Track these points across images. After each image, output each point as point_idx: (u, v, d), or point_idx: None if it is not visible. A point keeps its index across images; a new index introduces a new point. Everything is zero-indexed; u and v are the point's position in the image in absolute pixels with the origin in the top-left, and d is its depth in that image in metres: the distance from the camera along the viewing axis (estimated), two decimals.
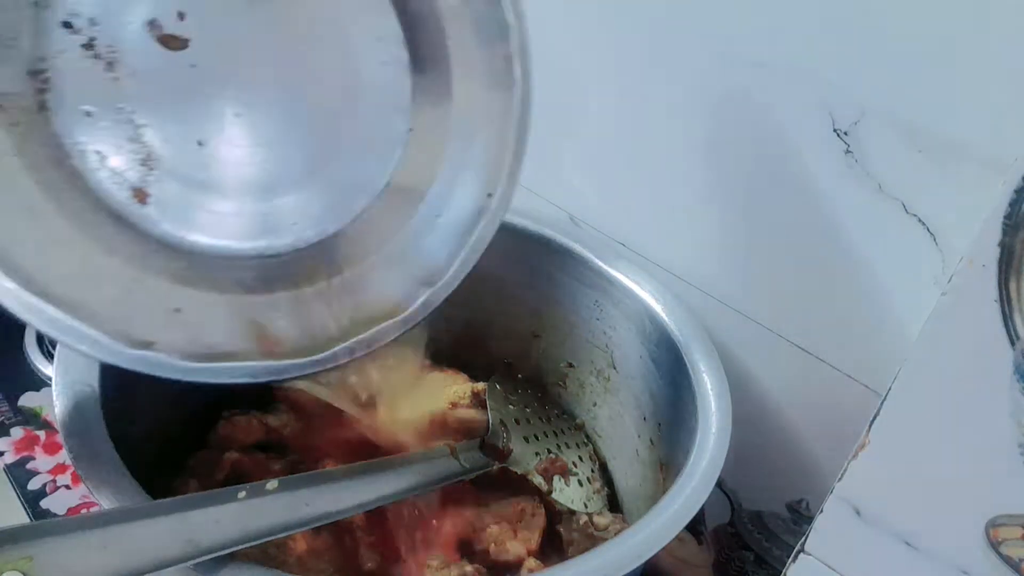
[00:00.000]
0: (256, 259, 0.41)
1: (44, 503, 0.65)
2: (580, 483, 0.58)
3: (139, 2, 0.37)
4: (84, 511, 0.65)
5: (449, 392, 0.61)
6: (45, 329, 0.34)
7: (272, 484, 0.40)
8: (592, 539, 0.55)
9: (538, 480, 0.55)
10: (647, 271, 0.58)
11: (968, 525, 0.33)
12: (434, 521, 0.54)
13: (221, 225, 0.40)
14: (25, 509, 0.65)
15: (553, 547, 0.55)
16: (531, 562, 0.52)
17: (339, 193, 0.42)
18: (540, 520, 0.55)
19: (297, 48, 0.40)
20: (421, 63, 0.43)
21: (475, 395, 0.61)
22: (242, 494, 0.38)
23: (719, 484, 0.44)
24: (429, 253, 0.44)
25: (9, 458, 0.69)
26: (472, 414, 0.60)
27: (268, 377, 0.38)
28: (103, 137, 0.37)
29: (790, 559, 0.39)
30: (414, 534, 0.53)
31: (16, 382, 0.76)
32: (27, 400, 0.74)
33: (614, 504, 0.60)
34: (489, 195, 0.43)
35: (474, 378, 0.64)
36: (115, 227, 0.37)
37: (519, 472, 0.55)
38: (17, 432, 0.71)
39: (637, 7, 0.55)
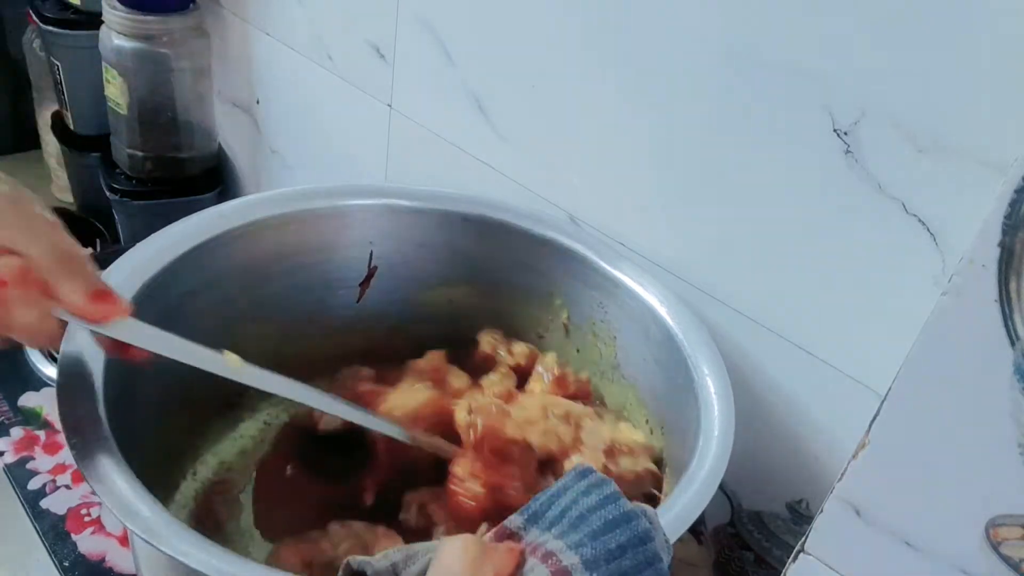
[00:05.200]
0: None
1: (44, 503, 0.65)
2: None
3: None
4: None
5: None
6: None
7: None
8: None
9: None
10: (650, 272, 0.58)
11: (968, 525, 0.33)
12: None
13: None
14: (25, 509, 0.65)
15: None
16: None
17: None
18: None
19: None
20: None
21: None
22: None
23: (719, 484, 0.44)
24: None
25: (9, 458, 0.69)
26: None
27: None
28: None
29: (790, 559, 0.39)
30: None
31: (16, 382, 0.76)
32: (27, 400, 0.74)
33: None
34: None
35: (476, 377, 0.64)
36: None
37: None
38: (17, 432, 0.71)
39: (638, 9, 0.55)
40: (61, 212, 1.04)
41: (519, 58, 0.64)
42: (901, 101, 0.45)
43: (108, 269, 0.50)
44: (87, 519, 0.65)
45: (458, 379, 0.61)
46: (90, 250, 0.44)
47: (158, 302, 0.50)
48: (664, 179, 0.58)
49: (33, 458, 0.69)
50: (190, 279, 0.54)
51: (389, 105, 0.77)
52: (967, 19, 0.42)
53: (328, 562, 0.49)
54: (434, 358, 0.62)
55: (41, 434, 0.71)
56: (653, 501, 0.53)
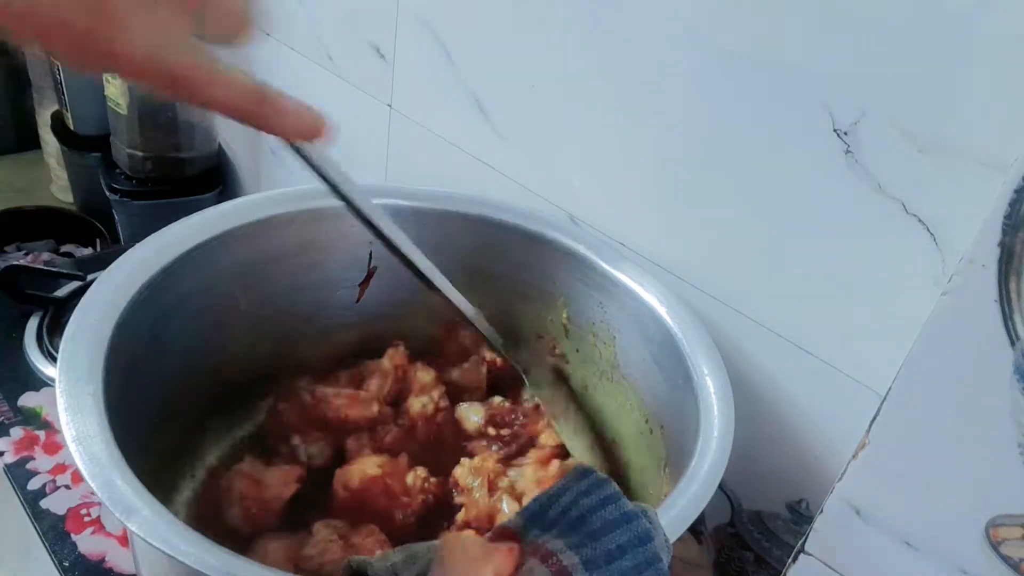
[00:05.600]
0: None
1: (44, 503, 0.65)
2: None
3: None
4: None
5: None
6: None
7: None
8: None
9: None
10: (650, 272, 0.58)
11: (968, 525, 0.33)
12: None
13: None
14: (25, 509, 0.65)
15: None
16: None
17: None
18: None
19: None
20: None
21: None
22: None
23: (719, 484, 0.44)
24: None
25: (9, 458, 0.69)
26: None
27: None
28: None
29: (790, 559, 0.39)
30: None
31: (16, 382, 0.76)
32: (27, 400, 0.74)
33: None
34: None
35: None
36: None
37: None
38: (17, 432, 0.71)
39: (638, 9, 0.55)
40: (61, 212, 1.05)
41: (519, 58, 0.64)
42: (901, 101, 0.45)
43: (108, 269, 0.50)
44: (87, 519, 0.65)
45: (424, 374, 0.61)
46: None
47: (158, 302, 0.50)
48: (664, 179, 0.58)
49: (33, 458, 0.69)
50: (190, 279, 0.54)
51: (389, 105, 0.77)
52: (967, 19, 0.42)
53: (315, 566, 0.49)
54: (395, 355, 0.62)
55: (41, 434, 0.71)
56: None
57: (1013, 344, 0.30)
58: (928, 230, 0.46)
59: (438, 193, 0.63)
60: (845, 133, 0.48)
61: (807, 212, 0.51)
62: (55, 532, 0.63)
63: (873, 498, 0.36)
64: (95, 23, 0.29)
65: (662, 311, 0.55)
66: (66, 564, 0.61)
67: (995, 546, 0.32)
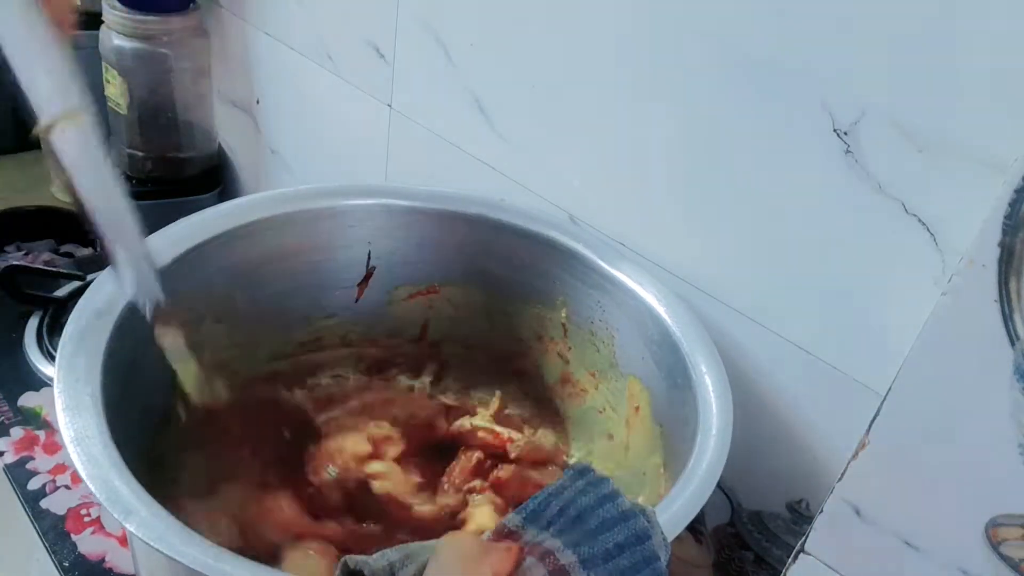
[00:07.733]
0: None
1: (44, 503, 0.65)
2: None
3: None
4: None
5: None
6: None
7: None
8: None
9: None
10: (649, 272, 0.58)
11: (968, 525, 0.33)
12: None
13: None
14: (25, 509, 0.65)
15: None
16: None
17: None
18: None
19: None
20: None
21: None
22: None
23: (719, 484, 0.44)
24: None
25: (9, 458, 0.69)
26: None
27: None
28: None
29: (790, 559, 0.39)
30: None
31: (16, 382, 0.76)
32: (27, 400, 0.74)
33: None
34: None
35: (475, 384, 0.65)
36: None
37: None
38: (17, 432, 0.71)
39: (638, 7, 0.55)
40: (61, 212, 1.05)
41: (519, 58, 0.64)
42: (901, 101, 0.45)
43: (108, 269, 0.50)
44: (87, 519, 0.65)
45: None
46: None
47: None
48: (663, 179, 0.58)
49: (33, 458, 0.69)
50: (190, 279, 0.54)
51: (389, 105, 0.77)
52: (967, 19, 0.42)
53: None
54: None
55: (41, 434, 0.71)
56: None
57: (1013, 344, 0.30)
58: (928, 230, 0.46)
59: (438, 193, 0.63)
60: (845, 133, 0.48)
61: (806, 212, 0.51)
62: (55, 532, 0.63)
63: (873, 498, 0.36)
64: None
65: (661, 310, 0.55)
66: (66, 564, 0.61)
67: (995, 546, 0.32)
